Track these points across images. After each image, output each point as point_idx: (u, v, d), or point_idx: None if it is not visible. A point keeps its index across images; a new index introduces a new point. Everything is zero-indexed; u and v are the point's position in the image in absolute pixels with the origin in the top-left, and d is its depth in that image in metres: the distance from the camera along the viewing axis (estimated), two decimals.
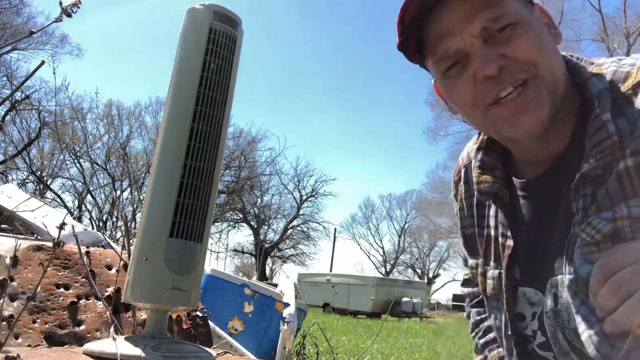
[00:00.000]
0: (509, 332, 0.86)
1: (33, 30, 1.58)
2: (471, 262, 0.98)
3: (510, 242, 0.83)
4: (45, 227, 1.63)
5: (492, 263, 0.89)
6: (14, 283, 1.16)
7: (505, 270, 0.84)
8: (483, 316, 1.07)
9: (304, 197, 31.75)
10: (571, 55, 0.81)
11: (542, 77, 0.72)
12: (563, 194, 0.75)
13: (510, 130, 0.75)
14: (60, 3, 1.34)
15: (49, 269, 1.23)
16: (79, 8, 1.38)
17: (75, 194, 22.27)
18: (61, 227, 0.97)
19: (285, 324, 2.37)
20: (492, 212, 0.90)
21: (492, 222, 0.89)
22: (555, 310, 0.78)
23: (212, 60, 0.98)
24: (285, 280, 3.69)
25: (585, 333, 0.69)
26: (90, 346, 0.90)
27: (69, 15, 1.37)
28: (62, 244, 1.01)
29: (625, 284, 0.58)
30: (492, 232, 0.89)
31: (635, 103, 0.69)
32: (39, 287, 1.18)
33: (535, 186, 0.82)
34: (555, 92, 0.73)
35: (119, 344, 0.86)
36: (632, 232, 0.64)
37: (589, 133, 0.71)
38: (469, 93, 0.76)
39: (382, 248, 40.30)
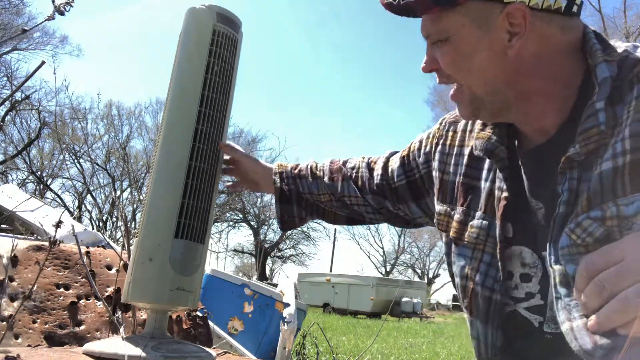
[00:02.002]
0: (496, 282, 0.86)
1: (25, 27, 1.58)
2: (440, 208, 0.99)
3: (505, 194, 0.85)
4: (41, 225, 1.63)
5: (478, 213, 0.90)
6: (14, 283, 1.16)
7: (500, 221, 0.85)
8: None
9: None
10: (595, 33, 0.81)
11: (463, 87, 0.83)
12: (552, 172, 0.77)
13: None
14: (53, 1, 1.34)
15: (48, 269, 1.23)
16: (72, 6, 1.37)
17: (75, 194, 22.30)
18: (57, 225, 0.96)
19: (285, 324, 2.37)
20: (486, 165, 0.91)
21: (486, 175, 0.91)
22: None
23: (215, 62, 0.98)
24: (285, 280, 3.69)
25: (565, 324, 0.70)
26: (90, 346, 0.90)
27: (61, 14, 1.37)
28: (58, 242, 1.00)
29: (609, 284, 0.59)
30: (485, 185, 0.90)
31: (634, 89, 0.71)
32: (40, 288, 1.18)
33: (532, 157, 0.85)
34: (480, 99, 0.82)
35: (119, 344, 0.86)
36: (621, 232, 0.65)
37: (582, 118, 0.73)
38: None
39: (382, 248, 40.34)
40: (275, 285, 4.00)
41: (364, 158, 1.20)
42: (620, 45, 0.78)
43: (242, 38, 1.07)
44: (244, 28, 1.07)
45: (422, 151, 1.06)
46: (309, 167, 1.22)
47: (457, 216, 0.94)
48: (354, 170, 1.17)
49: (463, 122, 0.99)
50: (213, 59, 0.98)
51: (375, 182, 1.13)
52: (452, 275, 0.97)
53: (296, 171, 1.22)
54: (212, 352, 0.98)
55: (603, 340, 0.63)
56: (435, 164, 1.02)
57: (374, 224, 1.26)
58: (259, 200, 29.91)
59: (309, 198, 1.20)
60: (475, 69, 0.80)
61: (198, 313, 1.43)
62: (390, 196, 1.12)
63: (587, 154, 0.71)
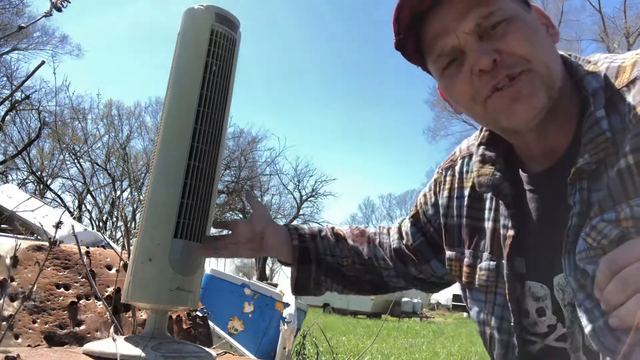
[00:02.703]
0: (511, 324, 0.85)
1: (22, 25, 1.58)
2: (450, 253, 0.98)
3: (511, 232, 0.83)
4: (41, 225, 1.63)
5: (485, 254, 0.89)
6: (14, 283, 1.17)
7: (507, 261, 0.84)
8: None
9: (304, 197, 31.78)
10: (569, 54, 0.83)
11: (535, 70, 0.74)
12: (563, 189, 0.76)
13: (508, 120, 0.77)
14: None
15: (48, 269, 1.23)
16: (69, 2, 1.37)
17: (75, 194, 22.28)
18: (57, 225, 0.97)
19: (285, 324, 2.37)
20: (488, 205, 0.90)
21: (488, 215, 0.90)
22: (568, 304, 0.79)
23: (214, 62, 0.98)
24: (285, 280, 3.68)
25: (588, 327, 0.70)
26: (90, 346, 0.90)
27: (59, 10, 1.37)
28: (58, 242, 1.00)
29: (632, 280, 0.58)
30: (490, 225, 0.89)
31: (627, 99, 0.71)
32: (40, 287, 1.18)
33: (540, 181, 0.83)
34: (551, 85, 0.75)
35: (119, 344, 0.86)
36: (637, 232, 0.64)
37: (583, 130, 0.73)
38: (467, 88, 0.78)
39: None
40: (275, 285, 4.00)
41: (380, 227, 1.16)
42: (599, 58, 0.78)
43: (240, 38, 1.07)
44: (242, 28, 1.07)
45: (429, 204, 1.05)
46: (329, 227, 1.13)
47: (466, 260, 0.93)
48: (376, 235, 1.13)
49: (459, 165, 0.99)
50: (211, 59, 0.98)
51: (393, 247, 1.09)
52: (474, 319, 0.96)
53: (314, 230, 1.11)
54: (212, 352, 0.98)
55: (625, 335, 0.62)
56: (441, 210, 1.01)
57: (398, 289, 1.14)
58: (259, 200, 29.88)
59: (330, 260, 1.07)
60: (544, 45, 0.76)
61: (198, 313, 1.43)
62: (410, 260, 1.07)
63: (597, 163, 0.71)
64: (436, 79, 0.86)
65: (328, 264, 1.07)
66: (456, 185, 0.98)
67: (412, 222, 1.09)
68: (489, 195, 0.90)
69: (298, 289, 1.08)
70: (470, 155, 0.97)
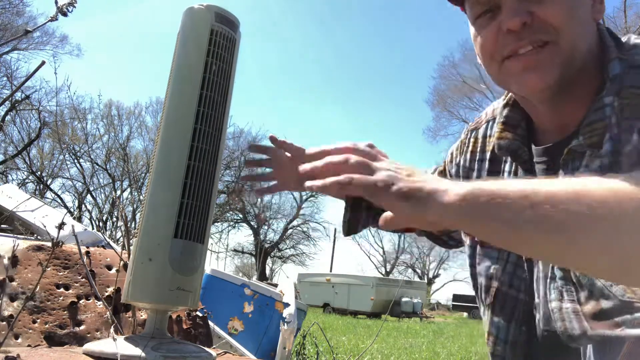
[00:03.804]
0: (519, 283, 0.86)
1: (28, 29, 1.58)
2: None
3: None
4: (44, 226, 1.63)
5: None
6: (14, 283, 1.16)
7: None
8: None
9: (304, 197, 31.78)
10: (609, 31, 0.81)
11: (560, 45, 0.73)
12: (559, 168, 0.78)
13: (517, 86, 0.78)
14: (56, 2, 1.34)
15: (48, 269, 1.23)
16: (75, 7, 1.38)
17: (75, 194, 22.29)
18: (60, 227, 0.97)
19: (285, 324, 2.37)
20: (507, 168, 0.91)
21: (507, 177, 0.90)
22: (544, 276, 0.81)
23: (214, 61, 0.98)
24: (285, 280, 3.69)
25: (554, 302, 0.72)
26: (90, 346, 0.90)
27: (64, 14, 1.37)
28: (61, 243, 1.01)
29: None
30: None
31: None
32: (40, 287, 1.18)
33: (548, 153, 0.84)
34: (570, 64, 0.75)
35: (119, 344, 0.86)
36: None
37: (589, 112, 0.73)
38: (491, 43, 0.78)
39: (382, 248, 40.32)
40: (275, 285, 4.00)
41: None
42: (629, 40, 0.77)
43: (240, 38, 1.07)
44: (243, 27, 1.07)
45: (454, 162, 1.06)
46: None
47: None
48: None
49: (482, 128, 0.99)
50: (211, 58, 0.98)
51: None
52: (473, 276, 0.97)
53: None
54: (212, 352, 0.98)
55: (594, 332, 0.65)
56: (460, 172, 1.02)
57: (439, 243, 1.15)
58: (259, 200, 29.91)
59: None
60: (580, 21, 0.75)
61: (198, 313, 1.43)
62: None
63: (590, 146, 0.71)
64: (470, 24, 0.86)
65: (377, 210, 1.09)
66: (478, 148, 0.99)
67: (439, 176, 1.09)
68: (508, 159, 0.90)
69: (351, 232, 1.08)
70: (495, 120, 0.97)
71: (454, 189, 0.56)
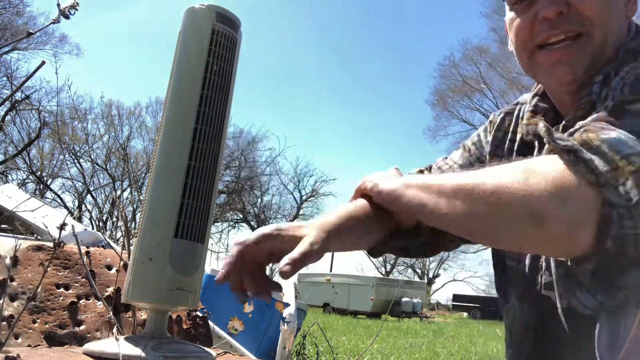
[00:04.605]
0: (537, 266, 0.86)
1: (31, 31, 1.58)
2: None
3: None
4: (46, 227, 1.63)
5: None
6: (14, 283, 1.16)
7: None
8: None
9: (304, 197, 31.79)
10: (637, 26, 0.82)
11: (593, 37, 0.75)
12: None
13: (545, 78, 0.81)
14: (58, 5, 1.34)
15: (49, 269, 1.23)
16: (77, 10, 1.38)
17: (75, 194, 22.31)
18: (62, 227, 0.97)
19: (285, 324, 2.37)
20: (536, 153, 0.91)
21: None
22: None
23: (215, 61, 0.98)
24: (285, 280, 3.68)
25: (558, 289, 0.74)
26: (90, 346, 0.90)
27: (66, 17, 1.37)
28: (62, 244, 1.01)
29: None
30: None
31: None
32: (40, 287, 1.18)
33: None
34: (600, 56, 0.76)
35: (119, 344, 0.86)
36: None
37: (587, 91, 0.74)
38: (525, 30, 0.80)
39: None
40: None
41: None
42: None
43: (241, 37, 1.07)
44: (243, 27, 1.07)
45: (484, 142, 1.05)
46: None
47: None
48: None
49: (517, 110, 0.99)
50: (212, 58, 0.98)
51: None
52: (494, 255, 0.98)
53: None
54: (212, 352, 0.98)
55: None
56: (489, 148, 1.02)
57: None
58: (259, 200, 29.94)
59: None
60: (614, 15, 0.76)
61: (198, 313, 1.43)
62: None
63: (575, 121, 0.70)
64: (507, 9, 0.87)
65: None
66: (511, 128, 0.99)
67: (461, 154, 1.08)
68: (536, 144, 0.91)
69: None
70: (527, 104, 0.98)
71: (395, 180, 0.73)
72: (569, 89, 0.79)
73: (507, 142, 0.99)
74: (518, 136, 0.97)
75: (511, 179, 0.59)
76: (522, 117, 0.97)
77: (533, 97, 0.94)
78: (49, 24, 1.41)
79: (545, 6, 0.76)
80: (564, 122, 0.74)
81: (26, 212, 2.38)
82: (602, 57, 0.76)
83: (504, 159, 0.97)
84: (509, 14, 0.86)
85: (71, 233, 1.21)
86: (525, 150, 0.95)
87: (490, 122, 1.06)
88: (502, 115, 1.03)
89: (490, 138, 1.04)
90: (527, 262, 0.88)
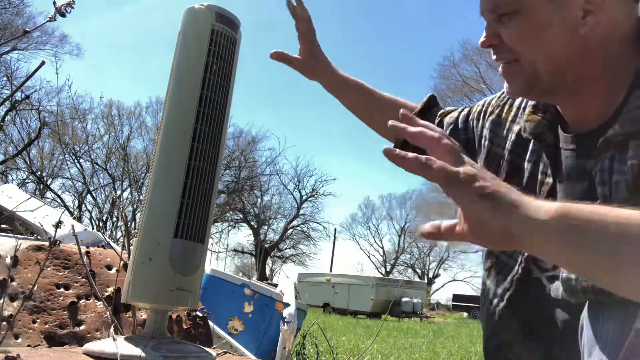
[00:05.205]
0: (522, 260, 0.88)
1: (27, 29, 1.58)
2: None
3: (549, 180, 0.86)
4: (41, 225, 1.63)
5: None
6: (14, 283, 1.16)
7: None
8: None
9: (304, 197, 31.79)
10: None
11: (522, 64, 0.81)
12: (589, 156, 0.78)
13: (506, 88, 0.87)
14: (54, 3, 1.34)
15: (48, 269, 1.23)
16: (73, 8, 1.38)
17: (75, 194, 22.31)
18: (57, 225, 0.97)
19: (285, 324, 2.37)
20: (532, 147, 0.92)
21: (530, 157, 0.92)
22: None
23: (214, 61, 0.98)
24: (285, 280, 3.68)
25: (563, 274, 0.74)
26: (90, 346, 0.90)
27: (62, 15, 1.37)
28: (58, 242, 1.00)
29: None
30: (529, 166, 0.91)
31: None
32: (40, 288, 1.18)
33: (574, 142, 0.85)
34: (536, 77, 0.81)
35: (119, 344, 0.86)
36: None
37: (628, 101, 0.73)
38: (484, 47, 0.88)
39: (382, 248, 40.33)
40: (275, 285, 4.00)
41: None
42: None
43: (241, 37, 1.07)
44: (243, 27, 1.07)
45: (480, 112, 1.07)
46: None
47: None
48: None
49: (520, 98, 0.99)
50: (212, 58, 0.98)
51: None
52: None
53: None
54: (212, 352, 0.98)
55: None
56: (486, 132, 1.02)
57: None
58: (259, 200, 29.93)
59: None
60: (545, 44, 0.79)
61: (198, 313, 1.43)
62: None
63: (627, 135, 0.70)
64: None
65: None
66: (510, 117, 0.99)
67: (464, 117, 1.11)
68: (532, 144, 0.91)
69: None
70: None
71: (546, 204, 0.54)
72: (528, 99, 0.86)
73: (505, 130, 0.99)
74: (516, 127, 0.96)
75: None
76: (524, 108, 0.96)
77: None
78: (45, 22, 1.41)
79: (483, 36, 0.84)
80: (607, 136, 0.72)
81: (26, 212, 2.38)
82: (539, 78, 0.81)
83: (500, 149, 0.98)
84: None
85: (71, 233, 1.21)
86: (522, 142, 0.94)
87: (493, 102, 1.05)
88: (504, 99, 1.03)
89: (487, 115, 1.04)
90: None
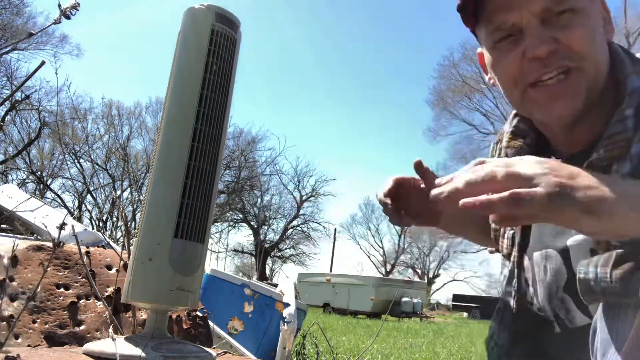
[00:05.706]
0: (512, 290, 0.88)
1: (32, 32, 1.59)
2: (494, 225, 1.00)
3: None
4: (45, 227, 1.63)
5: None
6: (14, 283, 1.16)
7: (520, 232, 0.87)
8: None
9: (304, 197, 31.79)
10: (622, 48, 0.81)
11: (585, 70, 0.73)
12: None
13: (543, 115, 0.78)
14: (59, 5, 1.35)
15: (49, 269, 1.23)
16: (78, 10, 1.39)
17: (75, 194, 22.30)
18: (61, 227, 0.97)
19: (285, 324, 2.37)
20: None
21: None
22: (546, 281, 0.82)
23: (214, 61, 0.98)
24: (285, 280, 3.68)
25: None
26: (90, 346, 0.90)
27: (67, 18, 1.38)
28: (62, 244, 1.01)
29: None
30: None
31: None
32: (40, 287, 1.18)
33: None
34: (594, 88, 0.75)
35: (119, 344, 0.86)
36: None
37: (609, 125, 0.72)
38: (514, 69, 0.77)
39: (382, 248, 40.30)
40: (275, 285, 4.00)
41: None
42: None
43: (241, 37, 1.07)
44: (243, 27, 1.07)
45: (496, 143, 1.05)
46: None
47: (501, 230, 0.96)
48: None
49: (505, 138, 0.96)
50: (212, 58, 0.98)
51: None
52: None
53: None
54: (212, 352, 0.98)
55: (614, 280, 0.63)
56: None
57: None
58: (259, 200, 29.94)
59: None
60: (600, 45, 0.74)
61: (198, 313, 1.43)
62: None
63: (610, 159, 0.70)
64: (485, 47, 0.84)
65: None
66: (496, 155, 0.99)
67: None
68: None
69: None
70: None
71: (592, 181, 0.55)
72: (565, 122, 0.77)
73: None
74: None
75: None
76: (501, 141, 0.95)
77: (513, 117, 0.92)
78: (50, 25, 1.42)
79: (534, 45, 0.73)
80: (591, 159, 0.71)
81: (26, 212, 2.39)
82: (596, 86, 0.75)
83: None
84: (491, 54, 0.82)
85: (71, 233, 1.21)
86: None
87: (491, 155, 1.04)
88: (494, 147, 1.02)
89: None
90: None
